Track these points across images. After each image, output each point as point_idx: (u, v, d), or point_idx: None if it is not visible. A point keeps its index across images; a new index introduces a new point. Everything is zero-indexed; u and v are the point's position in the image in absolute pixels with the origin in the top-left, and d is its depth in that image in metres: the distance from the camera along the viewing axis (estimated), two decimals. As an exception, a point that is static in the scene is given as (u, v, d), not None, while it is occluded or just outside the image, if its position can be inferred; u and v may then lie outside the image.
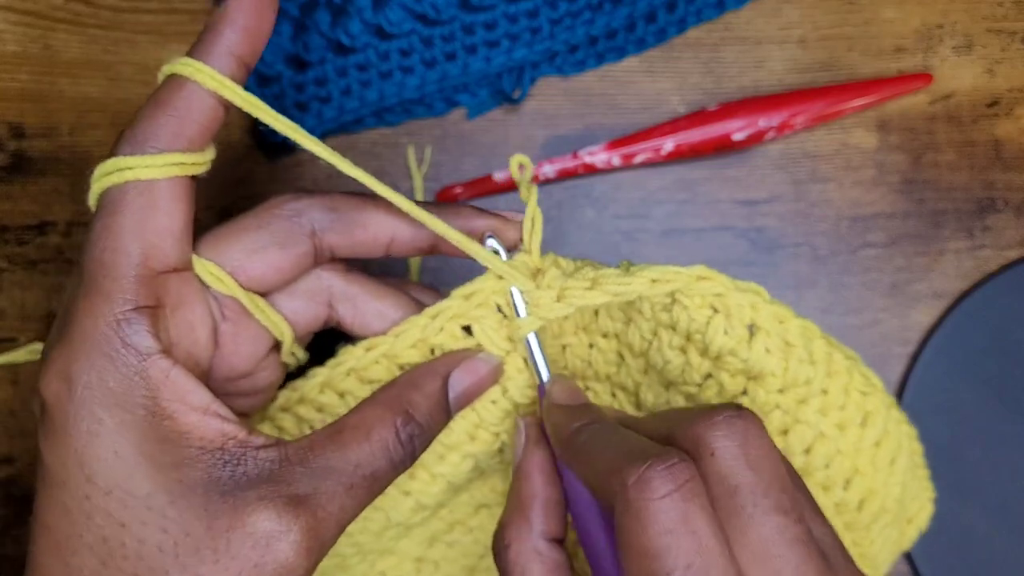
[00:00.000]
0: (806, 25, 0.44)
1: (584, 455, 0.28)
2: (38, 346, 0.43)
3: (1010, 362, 0.44)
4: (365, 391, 0.33)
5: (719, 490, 0.25)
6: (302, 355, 0.34)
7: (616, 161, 0.43)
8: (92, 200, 0.29)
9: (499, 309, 0.32)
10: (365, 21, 0.41)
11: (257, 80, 0.42)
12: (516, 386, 0.33)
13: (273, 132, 0.42)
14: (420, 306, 0.33)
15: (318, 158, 0.30)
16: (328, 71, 0.42)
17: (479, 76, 0.42)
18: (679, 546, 0.24)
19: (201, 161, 0.29)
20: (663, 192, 0.44)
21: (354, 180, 0.30)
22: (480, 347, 0.32)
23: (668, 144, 0.42)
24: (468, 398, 0.32)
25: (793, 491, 0.26)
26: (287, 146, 0.43)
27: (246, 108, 0.29)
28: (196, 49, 0.29)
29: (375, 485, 0.29)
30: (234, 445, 0.28)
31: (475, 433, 0.34)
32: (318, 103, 0.42)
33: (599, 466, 0.27)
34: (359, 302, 0.32)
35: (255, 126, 0.43)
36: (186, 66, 0.28)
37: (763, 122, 0.42)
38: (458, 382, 0.31)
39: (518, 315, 0.31)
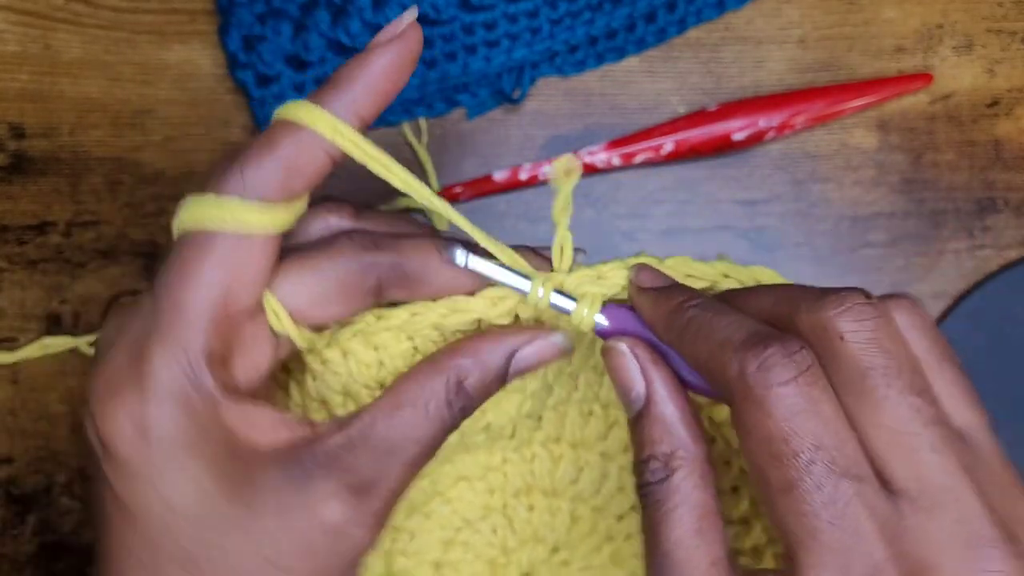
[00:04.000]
0: (806, 25, 0.44)
1: (691, 334, 0.27)
2: (48, 341, 0.43)
3: (1010, 362, 0.44)
4: (369, 355, 0.33)
5: (849, 373, 0.25)
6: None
7: (616, 161, 0.43)
8: (177, 228, 0.28)
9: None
10: (365, 21, 0.41)
11: (256, 80, 0.42)
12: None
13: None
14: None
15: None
16: (328, 71, 0.42)
17: (479, 76, 0.42)
18: (805, 428, 0.24)
19: (300, 213, 0.29)
20: (663, 192, 0.44)
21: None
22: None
23: (668, 144, 0.42)
24: (527, 371, 0.32)
25: (925, 375, 0.26)
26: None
27: (366, 162, 0.29)
28: (319, 95, 0.28)
29: (430, 453, 0.30)
30: (303, 442, 0.29)
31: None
32: (318, 103, 0.42)
33: (710, 347, 0.26)
34: (414, 283, 0.31)
35: (256, 125, 0.43)
36: (306, 111, 0.28)
37: (763, 122, 0.42)
38: (524, 359, 0.31)
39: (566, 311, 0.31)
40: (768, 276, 0.32)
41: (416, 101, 0.43)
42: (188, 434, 0.28)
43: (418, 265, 0.31)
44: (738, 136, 0.42)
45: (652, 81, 0.44)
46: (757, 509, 0.36)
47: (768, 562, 0.35)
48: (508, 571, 0.40)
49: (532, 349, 0.31)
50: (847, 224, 0.44)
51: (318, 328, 0.32)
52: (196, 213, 0.28)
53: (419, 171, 0.43)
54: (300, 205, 0.29)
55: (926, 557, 0.24)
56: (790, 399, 0.24)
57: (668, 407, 0.29)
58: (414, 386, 0.30)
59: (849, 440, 0.25)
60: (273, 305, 0.29)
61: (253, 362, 0.30)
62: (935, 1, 0.44)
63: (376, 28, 0.41)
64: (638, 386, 0.29)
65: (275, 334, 0.30)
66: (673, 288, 0.30)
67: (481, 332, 0.32)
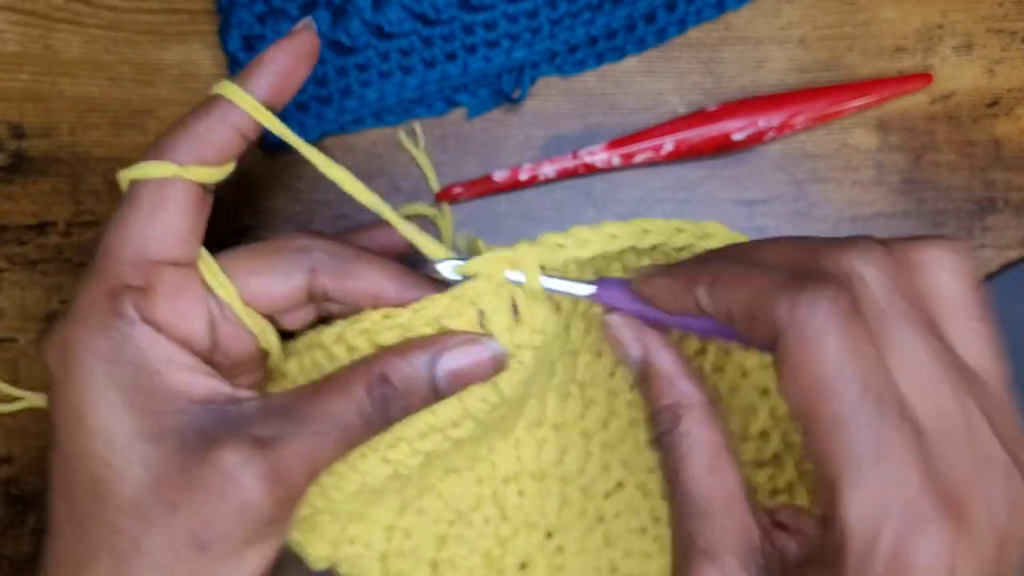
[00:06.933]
0: (806, 25, 0.44)
1: (723, 287, 0.28)
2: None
3: (1010, 362, 0.44)
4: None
5: (870, 316, 0.26)
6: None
7: (616, 161, 0.43)
8: (122, 186, 0.32)
9: (514, 310, 0.33)
10: (365, 21, 0.41)
11: (257, 80, 0.42)
12: (510, 384, 0.33)
13: (271, 132, 0.42)
14: (409, 281, 0.34)
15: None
16: (328, 71, 0.42)
17: (479, 76, 0.42)
18: (856, 365, 0.25)
19: (213, 174, 0.32)
20: (663, 192, 0.44)
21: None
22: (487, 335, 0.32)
23: (668, 144, 0.42)
24: (461, 379, 0.32)
25: (938, 324, 0.27)
26: (285, 145, 0.43)
27: (266, 123, 0.33)
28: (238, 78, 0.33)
29: (346, 436, 0.31)
30: (222, 398, 0.31)
31: (460, 422, 0.34)
32: (318, 103, 0.42)
33: (749, 295, 0.27)
34: (343, 272, 0.33)
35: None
36: (225, 88, 0.32)
37: (763, 122, 0.42)
38: (450, 360, 0.32)
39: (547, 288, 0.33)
40: (716, 228, 0.35)
41: (416, 101, 0.43)
42: (102, 347, 0.30)
43: (351, 256, 0.33)
44: (738, 136, 0.42)
45: (652, 81, 0.44)
46: (788, 448, 0.37)
47: (801, 498, 0.37)
48: (505, 562, 0.40)
49: (456, 353, 0.32)
50: (847, 224, 0.44)
51: (270, 317, 0.34)
52: (126, 176, 0.32)
53: (419, 174, 0.43)
54: (213, 169, 0.32)
55: (950, 484, 0.25)
56: (842, 338, 0.25)
57: (665, 364, 0.31)
58: (341, 373, 0.32)
59: (890, 377, 0.26)
60: (206, 261, 0.32)
61: (180, 311, 0.31)
62: (935, 1, 0.44)
63: (376, 28, 0.41)
64: (635, 350, 0.32)
65: (216, 300, 0.32)
66: (683, 262, 0.32)
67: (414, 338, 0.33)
